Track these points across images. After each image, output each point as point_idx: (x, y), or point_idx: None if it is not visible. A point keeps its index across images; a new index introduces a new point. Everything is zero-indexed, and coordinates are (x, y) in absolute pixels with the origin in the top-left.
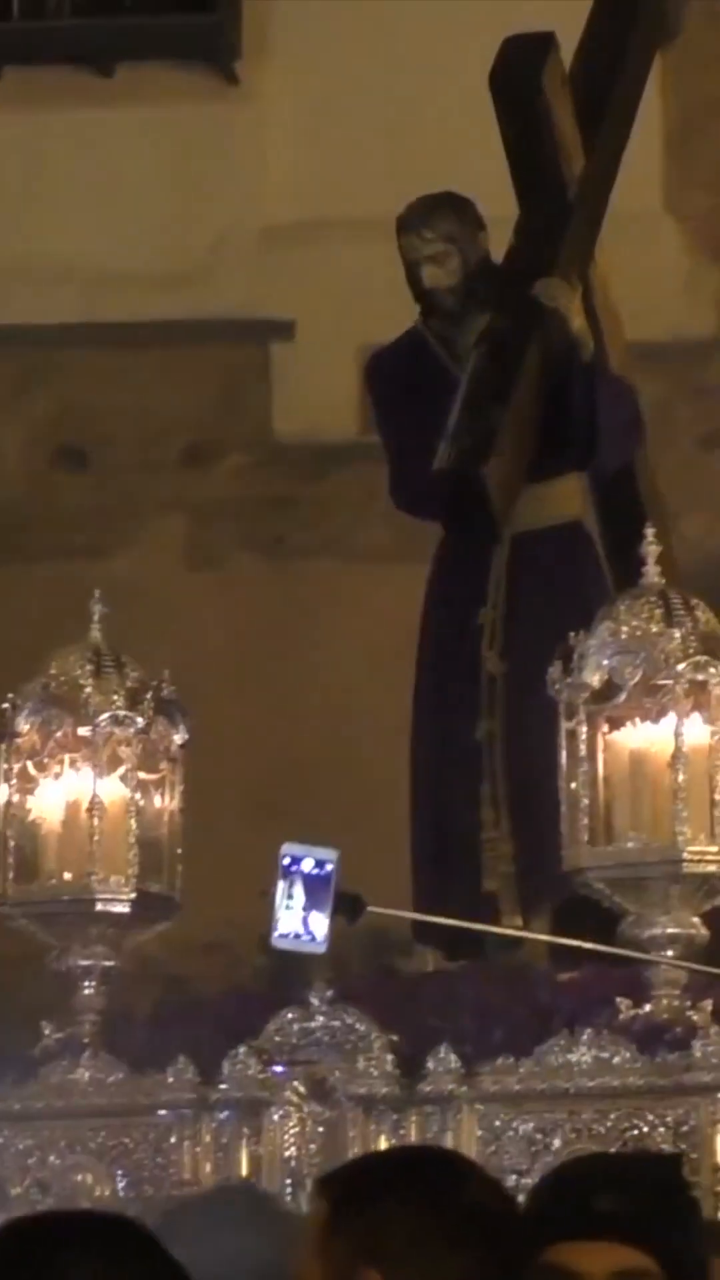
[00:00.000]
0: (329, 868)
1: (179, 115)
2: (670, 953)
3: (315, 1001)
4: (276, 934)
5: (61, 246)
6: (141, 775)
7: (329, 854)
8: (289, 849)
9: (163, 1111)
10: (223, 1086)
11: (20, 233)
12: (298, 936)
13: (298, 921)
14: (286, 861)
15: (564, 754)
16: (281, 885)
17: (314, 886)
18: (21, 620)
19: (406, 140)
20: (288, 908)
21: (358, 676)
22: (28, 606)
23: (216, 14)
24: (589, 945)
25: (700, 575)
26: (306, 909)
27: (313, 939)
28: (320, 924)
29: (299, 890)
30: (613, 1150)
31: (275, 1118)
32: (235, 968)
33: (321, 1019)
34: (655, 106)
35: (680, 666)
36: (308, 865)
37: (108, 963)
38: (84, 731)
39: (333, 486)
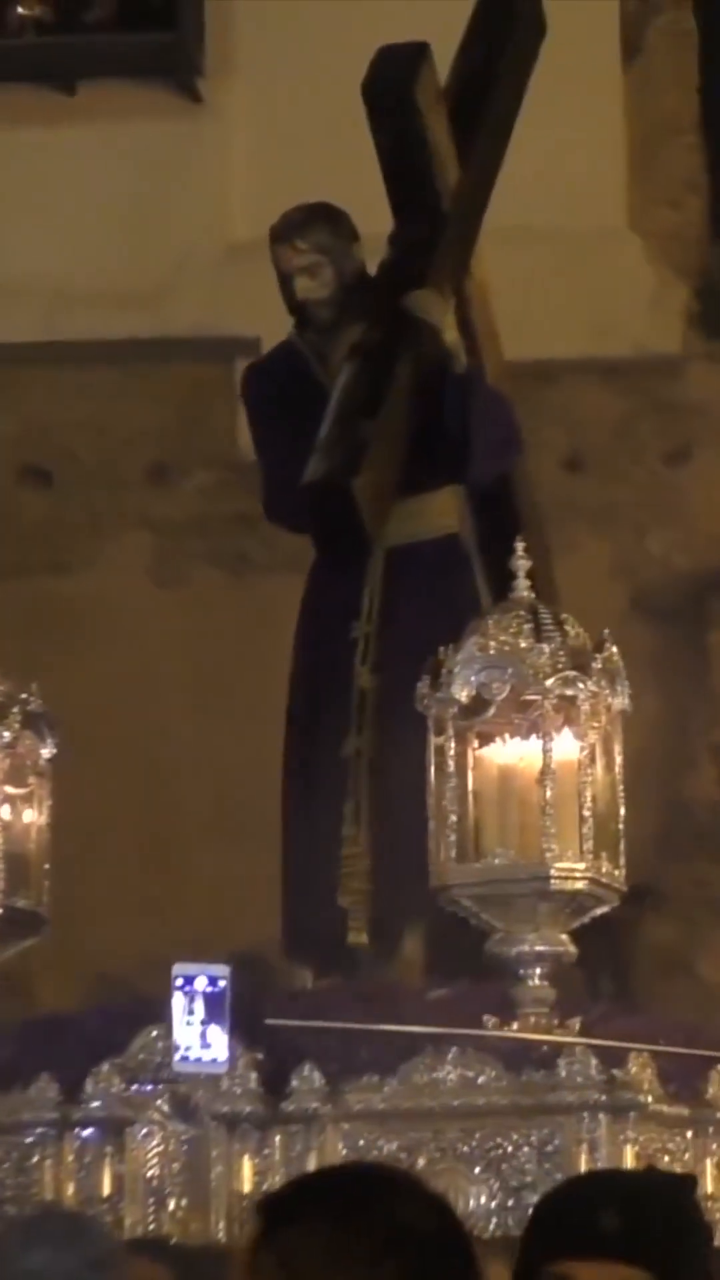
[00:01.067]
0: (222, 984)
1: (141, 133)
2: (538, 970)
3: None
4: (178, 1056)
5: (23, 264)
6: (8, 789)
7: (221, 970)
8: (180, 969)
9: (25, 1130)
10: (86, 1105)
11: None
12: (199, 1060)
13: (196, 1037)
14: (179, 982)
15: (432, 769)
16: (180, 1002)
17: (210, 1002)
18: None
19: (369, 159)
20: (187, 1024)
21: None
22: None
23: (179, 31)
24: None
25: (667, 591)
26: (205, 1023)
27: (214, 1061)
28: (219, 1040)
29: (198, 1006)
30: (625, 1168)
31: (139, 1136)
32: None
33: None
34: (618, 124)
35: (549, 682)
36: (200, 984)
37: None
38: None
39: None
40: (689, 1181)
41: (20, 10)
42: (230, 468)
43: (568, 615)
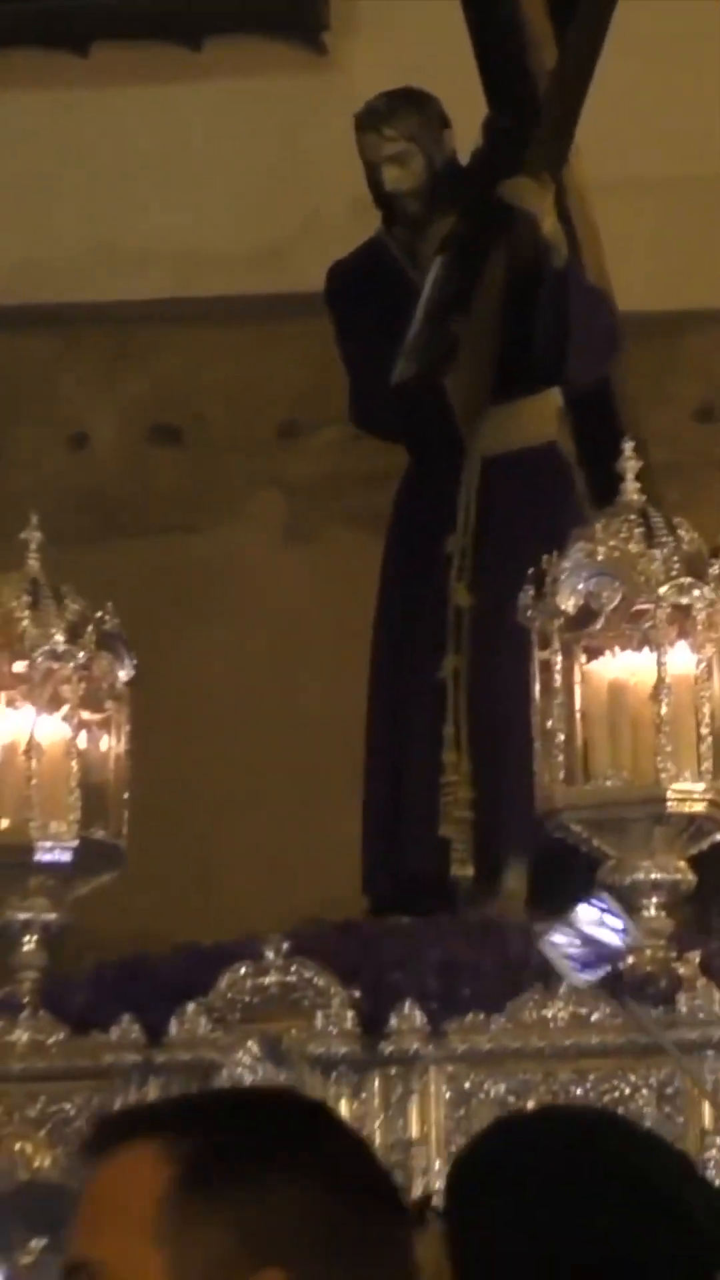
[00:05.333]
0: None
1: (267, 88)
2: (654, 900)
3: (270, 955)
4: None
5: (151, 224)
6: (84, 715)
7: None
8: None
9: (106, 1074)
10: (171, 1047)
11: (109, 211)
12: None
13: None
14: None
15: (537, 687)
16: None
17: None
18: (118, 599)
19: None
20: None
21: None
22: (123, 585)
23: None
24: None
25: None
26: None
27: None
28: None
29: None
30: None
31: (227, 1081)
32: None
33: (276, 974)
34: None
35: (663, 589)
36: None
37: (48, 916)
38: (20, 668)
39: None
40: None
41: None
42: None
43: (681, 520)
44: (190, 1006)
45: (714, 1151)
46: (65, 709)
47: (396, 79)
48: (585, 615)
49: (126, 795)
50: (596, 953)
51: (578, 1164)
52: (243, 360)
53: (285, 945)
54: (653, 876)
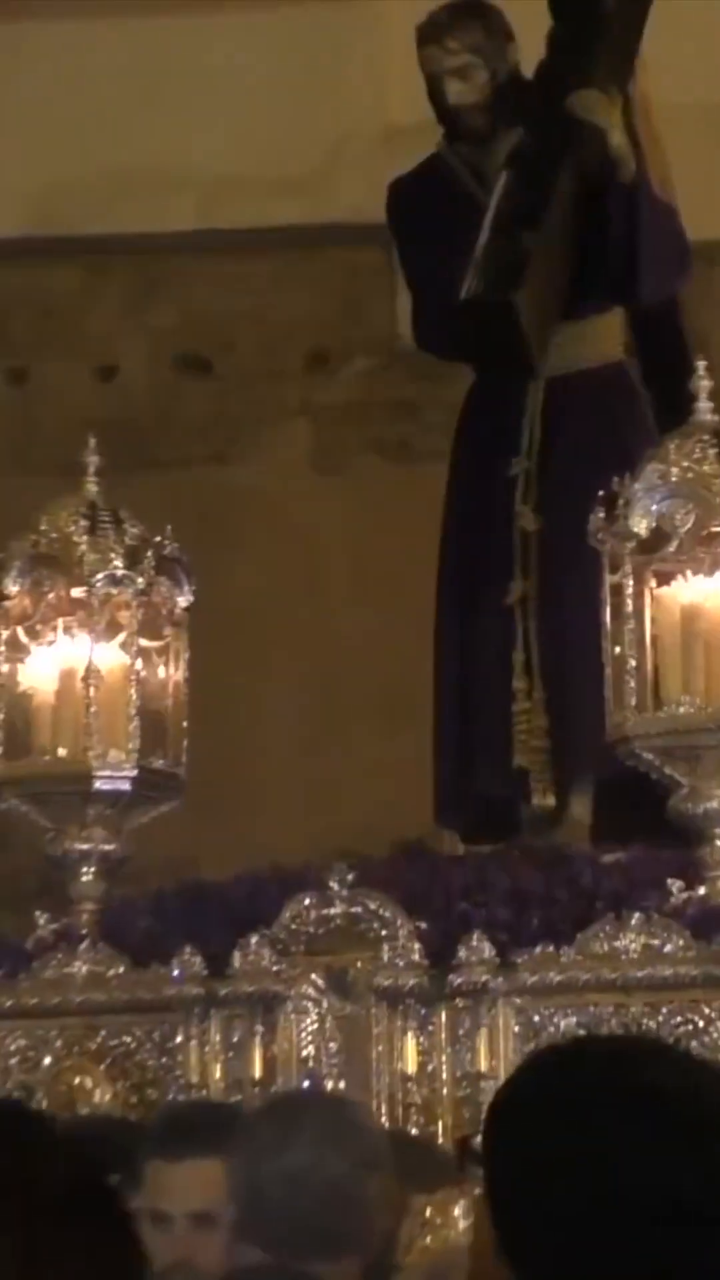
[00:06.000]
0: None
1: (297, 16)
2: None
3: (334, 886)
4: None
5: (178, 154)
6: (143, 642)
7: None
8: None
9: (168, 1007)
10: (234, 979)
11: (135, 141)
12: None
13: None
14: None
15: (607, 611)
16: None
17: None
18: (149, 529)
19: (532, 33)
20: None
21: None
22: (154, 514)
23: None
24: None
25: None
26: None
27: None
28: None
29: None
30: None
31: (291, 1014)
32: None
33: (341, 905)
34: None
35: None
36: None
37: (107, 846)
38: (78, 593)
39: (458, 390)
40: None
41: None
42: (391, 354)
43: None
44: (254, 938)
45: None
46: (123, 635)
47: (427, 5)
48: (657, 538)
49: (185, 724)
50: None
51: (618, 1095)
52: (270, 290)
53: (350, 876)
54: None
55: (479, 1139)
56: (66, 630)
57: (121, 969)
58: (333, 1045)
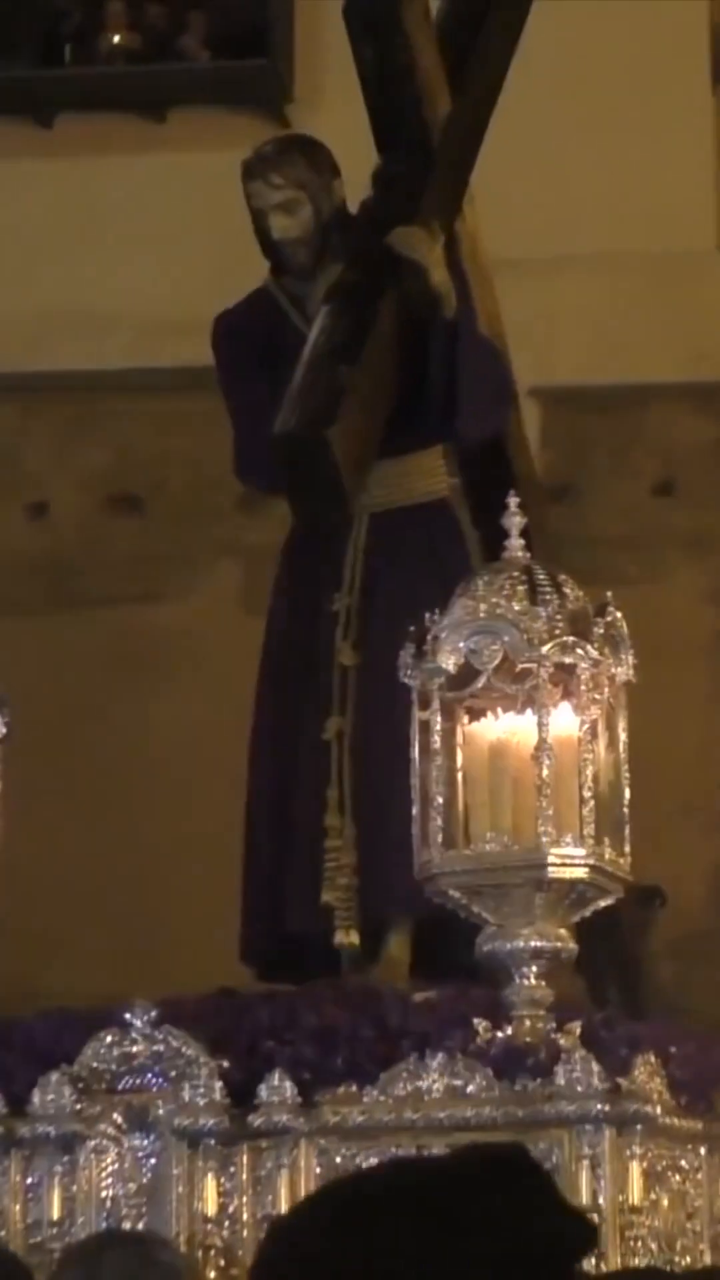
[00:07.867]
0: None
1: (231, 160)
2: (534, 968)
3: (136, 1023)
4: None
5: (113, 293)
6: None
7: None
8: None
9: None
10: (34, 1118)
11: (71, 279)
12: None
13: None
14: None
15: (416, 748)
16: None
17: None
18: (76, 667)
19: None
20: None
21: None
22: (82, 654)
23: (269, 58)
24: None
25: None
26: None
27: None
28: None
29: None
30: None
31: (92, 1153)
32: None
33: (143, 1043)
34: (709, 146)
35: (546, 648)
36: None
37: None
38: None
39: None
40: None
41: (112, 39)
42: None
43: (566, 577)
44: (54, 1076)
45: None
46: None
47: (359, 152)
48: (467, 674)
49: None
50: None
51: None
52: (203, 430)
53: (152, 1013)
54: (533, 944)
55: None
56: None
57: None
58: (132, 1185)
